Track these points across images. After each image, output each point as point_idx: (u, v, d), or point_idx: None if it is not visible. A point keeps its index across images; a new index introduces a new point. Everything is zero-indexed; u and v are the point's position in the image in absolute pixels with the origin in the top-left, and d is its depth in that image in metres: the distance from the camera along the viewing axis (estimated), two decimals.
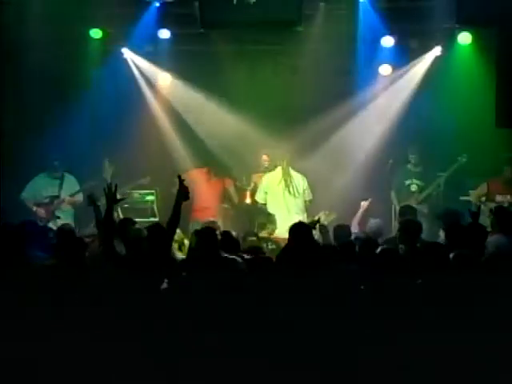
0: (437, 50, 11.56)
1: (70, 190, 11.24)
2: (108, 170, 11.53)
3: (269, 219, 9.86)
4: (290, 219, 9.44)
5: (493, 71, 9.47)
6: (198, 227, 7.64)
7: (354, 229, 8.88)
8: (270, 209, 10.96)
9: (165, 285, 5.82)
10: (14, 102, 10.96)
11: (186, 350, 5.11)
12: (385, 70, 11.77)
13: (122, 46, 11.92)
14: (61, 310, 5.28)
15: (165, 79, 12.11)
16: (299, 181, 11.22)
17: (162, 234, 6.53)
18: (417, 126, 11.50)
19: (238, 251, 7.17)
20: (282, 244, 8.50)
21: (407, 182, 11.39)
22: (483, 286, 5.46)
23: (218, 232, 7.16)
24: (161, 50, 11.74)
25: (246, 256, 7.07)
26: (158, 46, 11.70)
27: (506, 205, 10.45)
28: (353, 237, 8.23)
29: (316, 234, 8.08)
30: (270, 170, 11.53)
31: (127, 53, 11.98)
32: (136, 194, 11.63)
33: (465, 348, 5.05)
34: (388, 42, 11.46)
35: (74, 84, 11.32)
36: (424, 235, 7.82)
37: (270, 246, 9.00)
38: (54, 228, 9.59)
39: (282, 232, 8.98)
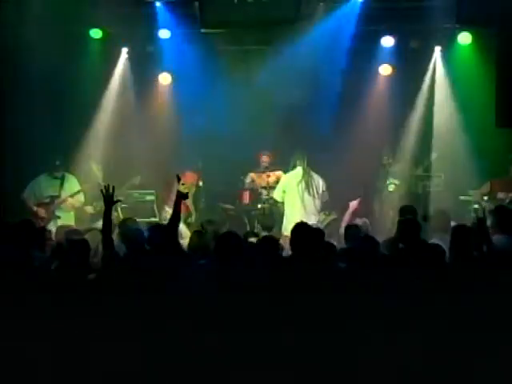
0: (437, 50, 11.58)
1: (71, 189, 11.23)
2: (97, 173, 11.53)
3: (274, 221, 9.93)
4: (307, 219, 9.44)
5: (493, 71, 9.47)
6: None
7: (343, 229, 8.85)
8: (287, 208, 11.02)
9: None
10: (14, 102, 10.96)
11: (192, 350, 5.11)
12: (385, 70, 11.77)
13: (122, 46, 11.93)
14: (63, 310, 5.28)
15: (165, 79, 12.11)
16: (319, 181, 11.25)
17: (163, 233, 6.54)
18: (417, 126, 11.50)
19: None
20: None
21: (387, 182, 11.41)
22: (484, 286, 5.46)
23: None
24: (161, 50, 11.74)
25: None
26: (158, 46, 11.70)
27: (507, 201, 10.48)
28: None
29: None
30: (270, 170, 11.55)
31: (127, 53, 11.98)
32: (136, 193, 11.63)
33: (467, 349, 5.05)
34: (388, 42, 11.47)
35: (73, 84, 11.31)
36: None
37: None
38: (54, 228, 9.63)
39: None
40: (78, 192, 11.21)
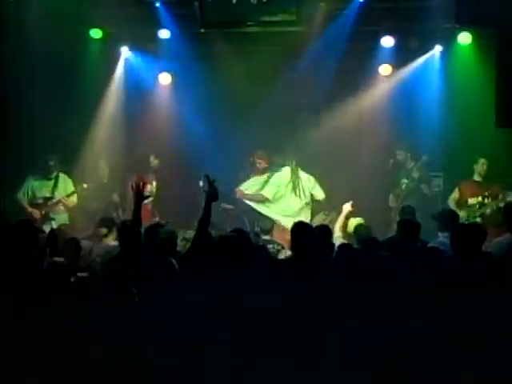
0: (437, 50, 11.58)
1: (65, 191, 11.22)
2: (103, 171, 11.55)
3: (272, 224, 9.97)
4: (294, 220, 9.45)
5: (493, 71, 9.46)
6: None
7: (337, 232, 8.85)
8: (275, 208, 11.04)
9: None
10: (14, 102, 10.96)
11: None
12: (385, 69, 11.77)
13: (122, 46, 11.94)
14: (66, 311, 5.27)
15: (165, 79, 12.11)
16: (306, 182, 11.25)
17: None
18: (417, 126, 11.49)
19: None
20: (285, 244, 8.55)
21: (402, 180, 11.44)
22: (494, 286, 5.46)
23: None
24: (161, 50, 11.75)
25: None
26: (158, 45, 11.70)
27: (477, 207, 10.51)
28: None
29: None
30: (265, 171, 11.54)
31: (127, 53, 12.00)
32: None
33: (475, 351, 5.05)
34: (388, 42, 11.46)
35: (73, 84, 11.31)
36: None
37: (275, 247, 9.04)
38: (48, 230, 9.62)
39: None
40: (73, 193, 11.21)
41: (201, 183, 11.37)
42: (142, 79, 12.01)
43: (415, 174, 11.26)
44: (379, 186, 11.29)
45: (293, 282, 5.65)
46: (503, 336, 5.15)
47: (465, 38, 11.34)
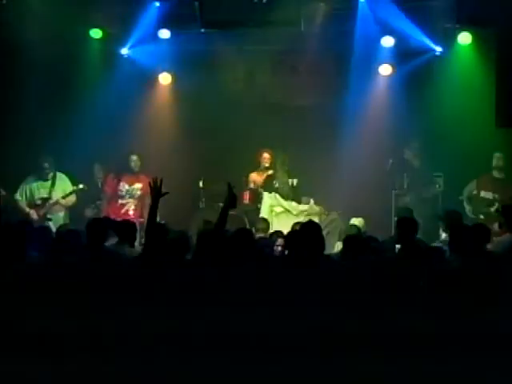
0: (437, 50, 11.58)
1: (62, 191, 11.23)
2: (98, 174, 11.54)
3: (269, 223, 9.95)
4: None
5: (493, 71, 9.46)
6: None
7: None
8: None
9: None
10: (14, 102, 10.96)
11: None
12: (385, 69, 11.77)
13: (122, 46, 11.93)
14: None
15: (165, 79, 12.11)
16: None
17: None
18: (417, 125, 11.50)
19: None
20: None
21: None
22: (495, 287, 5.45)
23: None
24: (161, 50, 11.74)
25: None
26: (158, 45, 11.70)
27: (485, 203, 10.59)
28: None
29: None
30: (269, 170, 11.56)
31: (127, 53, 11.99)
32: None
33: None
34: (388, 42, 11.47)
35: (73, 84, 11.32)
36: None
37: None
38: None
39: None
40: (71, 193, 11.21)
41: (200, 183, 11.41)
42: (142, 79, 11.99)
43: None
44: (379, 186, 11.28)
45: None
46: (504, 337, 5.15)
47: (465, 38, 11.34)
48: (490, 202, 10.72)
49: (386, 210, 11.18)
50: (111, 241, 7.85)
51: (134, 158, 11.47)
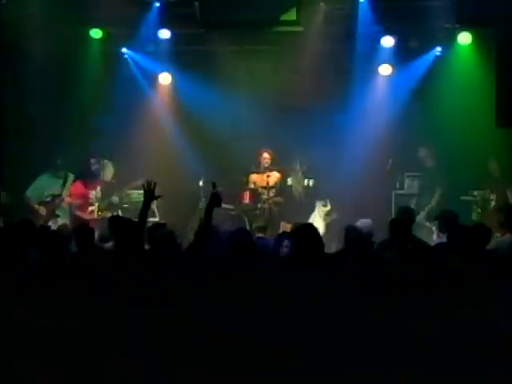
0: (437, 50, 11.59)
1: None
2: (108, 171, 11.56)
3: (268, 222, 9.93)
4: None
5: (493, 71, 9.46)
6: None
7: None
8: None
9: None
10: (15, 102, 10.97)
11: None
12: (385, 69, 11.77)
13: (122, 46, 11.94)
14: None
15: (165, 79, 12.12)
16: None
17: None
18: (417, 125, 11.50)
19: None
20: None
21: None
22: (497, 286, 5.44)
23: None
24: (161, 50, 11.75)
25: None
26: (158, 45, 11.71)
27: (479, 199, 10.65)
28: None
29: None
30: (270, 170, 11.56)
31: (127, 53, 11.99)
32: (135, 193, 11.64)
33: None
34: (388, 41, 11.47)
35: (74, 84, 11.32)
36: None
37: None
38: (54, 227, 9.66)
39: None
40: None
41: (200, 183, 11.40)
42: (142, 79, 12.00)
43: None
44: (379, 185, 11.29)
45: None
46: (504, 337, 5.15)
47: (465, 38, 11.34)
48: (483, 198, 10.78)
49: (386, 210, 11.17)
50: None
51: (92, 161, 11.47)
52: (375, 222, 9.02)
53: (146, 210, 6.52)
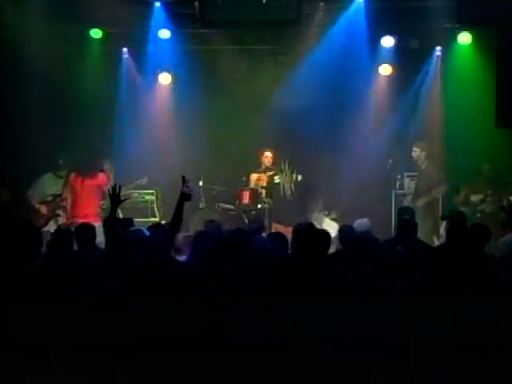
0: (437, 50, 11.59)
1: None
2: (108, 171, 11.56)
3: (263, 223, 9.95)
4: None
5: (493, 71, 9.46)
6: None
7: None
8: None
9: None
10: (15, 102, 10.96)
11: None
12: (385, 69, 11.77)
13: (122, 46, 11.94)
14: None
15: (165, 79, 12.12)
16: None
17: (163, 233, 6.54)
18: (417, 126, 11.50)
19: None
20: None
21: None
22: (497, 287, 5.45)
23: None
24: (161, 50, 11.75)
25: None
26: (158, 45, 11.70)
27: (479, 203, 10.61)
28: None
29: None
30: (270, 170, 11.56)
31: (127, 53, 11.99)
32: (136, 193, 11.65)
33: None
34: (388, 42, 11.47)
35: (74, 84, 11.32)
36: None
37: None
38: (54, 226, 9.68)
39: None
40: None
41: (200, 183, 11.42)
42: (142, 79, 12.00)
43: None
44: (379, 185, 11.29)
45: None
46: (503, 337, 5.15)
47: (465, 38, 11.34)
48: (481, 201, 10.73)
49: (386, 210, 11.18)
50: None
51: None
52: (375, 222, 9.03)
53: (180, 209, 6.58)
